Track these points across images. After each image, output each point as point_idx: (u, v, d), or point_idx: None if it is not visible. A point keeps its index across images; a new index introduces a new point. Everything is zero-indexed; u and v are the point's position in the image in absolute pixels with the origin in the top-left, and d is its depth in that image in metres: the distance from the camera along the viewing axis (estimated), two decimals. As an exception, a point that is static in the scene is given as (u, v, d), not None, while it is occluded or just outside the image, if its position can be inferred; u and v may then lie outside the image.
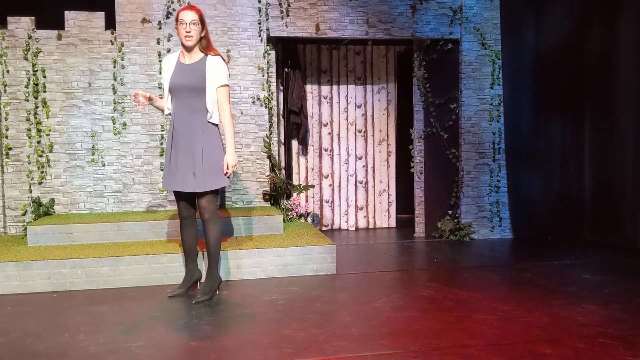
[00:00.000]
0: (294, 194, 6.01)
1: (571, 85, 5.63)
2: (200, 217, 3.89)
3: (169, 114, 3.88)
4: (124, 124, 5.57)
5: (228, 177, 3.84)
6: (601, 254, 5.20)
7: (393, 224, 7.20)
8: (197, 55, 3.81)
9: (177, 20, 3.77)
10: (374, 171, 7.13)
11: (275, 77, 6.02)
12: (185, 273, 4.15)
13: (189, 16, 3.71)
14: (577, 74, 5.57)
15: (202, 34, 3.78)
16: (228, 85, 3.83)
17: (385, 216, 7.19)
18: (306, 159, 7.01)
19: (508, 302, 3.78)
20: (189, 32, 3.71)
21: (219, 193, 5.63)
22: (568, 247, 5.53)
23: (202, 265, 4.38)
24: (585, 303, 3.74)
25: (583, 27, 5.51)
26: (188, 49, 3.79)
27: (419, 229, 6.70)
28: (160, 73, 4.03)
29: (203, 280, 4.16)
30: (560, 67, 5.70)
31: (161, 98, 3.94)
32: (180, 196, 3.90)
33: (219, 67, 3.77)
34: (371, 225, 7.16)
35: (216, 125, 3.83)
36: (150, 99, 3.81)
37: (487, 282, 4.39)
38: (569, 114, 5.70)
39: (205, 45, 3.80)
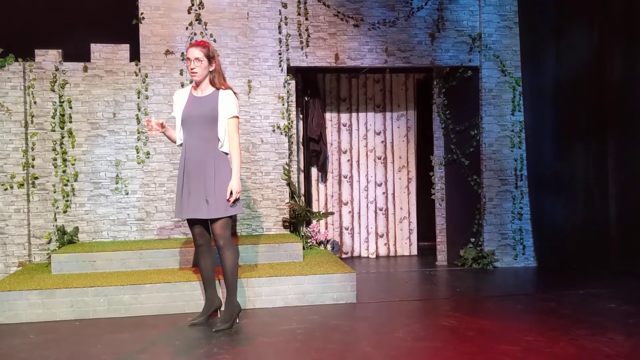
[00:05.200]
0: (314, 221, 6.02)
1: (593, 111, 5.58)
2: (215, 245, 3.93)
3: (181, 144, 3.97)
4: (148, 153, 5.66)
5: (236, 204, 3.86)
6: (627, 283, 5.08)
7: (414, 251, 7.13)
8: (208, 89, 3.94)
9: (185, 55, 3.94)
10: (394, 198, 7.11)
11: (295, 105, 6.08)
12: (205, 301, 4.17)
13: (193, 53, 3.83)
14: (599, 100, 5.52)
15: (211, 69, 3.89)
16: (238, 117, 3.94)
17: (406, 244, 7.13)
18: (325, 186, 7.02)
19: (532, 333, 3.71)
20: (193, 68, 3.84)
21: (235, 220, 5.69)
22: (593, 276, 5.42)
23: (222, 292, 4.39)
24: (612, 333, 3.65)
25: (604, 53, 5.48)
26: (197, 83, 3.92)
27: (441, 257, 6.63)
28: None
29: (223, 308, 4.18)
30: (582, 94, 5.66)
31: (173, 128, 4.06)
32: (193, 224, 3.95)
33: (230, 99, 3.90)
34: (392, 253, 7.11)
35: (227, 154, 3.92)
36: (162, 126, 3.91)
37: (510, 312, 4.32)
38: (592, 141, 5.63)
39: (216, 79, 3.90)
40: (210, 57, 3.87)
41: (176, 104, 3.99)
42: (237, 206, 3.89)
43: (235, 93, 3.96)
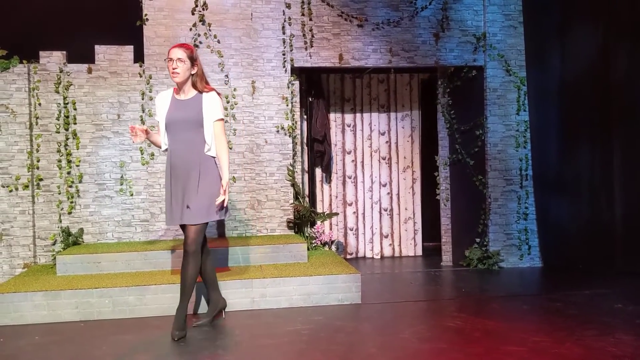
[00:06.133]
0: (318, 222, 6.01)
1: (598, 110, 5.55)
2: (185, 249, 3.81)
3: (166, 149, 3.87)
4: (152, 154, 5.66)
5: (220, 209, 3.79)
6: (634, 283, 5.04)
7: (419, 252, 7.11)
8: (191, 92, 3.84)
9: (167, 56, 3.82)
10: (398, 198, 7.09)
11: (299, 106, 6.07)
12: (210, 303, 4.16)
13: (175, 54, 3.75)
14: (604, 99, 5.49)
15: (193, 72, 3.80)
16: (223, 119, 3.87)
17: (411, 244, 7.11)
18: (330, 186, 7.01)
19: (538, 333, 3.69)
20: (175, 68, 3.74)
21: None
22: (599, 275, 5.39)
23: (226, 293, 4.39)
24: (618, 334, 3.63)
25: (609, 52, 5.45)
26: (179, 86, 3.83)
27: (446, 258, 6.61)
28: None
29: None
30: (587, 93, 5.63)
31: (157, 133, 3.96)
32: (184, 230, 3.87)
33: (215, 101, 3.82)
34: (397, 254, 7.09)
35: (213, 157, 3.85)
36: (147, 133, 3.78)
37: (516, 312, 4.30)
38: (597, 140, 5.60)
39: (198, 83, 3.82)
40: (193, 59, 3.79)
41: (159, 108, 3.88)
42: (221, 211, 3.82)
43: (218, 94, 3.88)
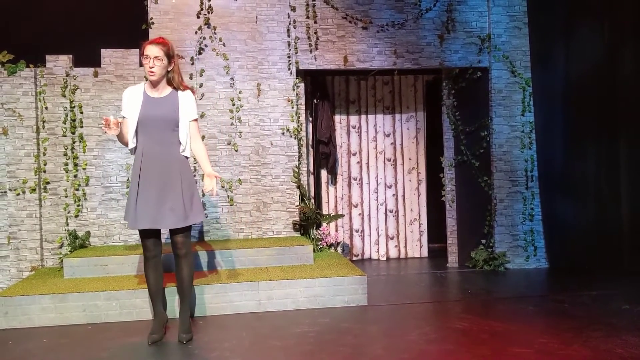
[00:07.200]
0: (324, 224, 6.02)
1: (604, 111, 5.54)
2: (176, 253, 3.76)
3: (134, 148, 3.69)
4: (157, 157, 5.68)
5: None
6: (641, 284, 5.04)
7: (425, 253, 7.11)
8: (165, 89, 3.71)
9: (142, 53, 3.64)
10: (404, 200, 7.09)
11: (304, 108, 6.09)
12: (155, 316, 3.92)
13: (152, 51, 3.58)
14: (610, 100, 5.48)
15: (170, 68, 3.67)
16: (197, 119, 3.79)
17: (416, 246, 7.11)
18: (335, 188, 7.02)
19: (545, 335, 3.69)
20: (152, 67, 3.59)
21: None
22: (606, 276, 5.37)
23: (232, 295, 4.39)
24: (626, 335, 3.62)
25: (615, 52, 5.44)
26: (153, 83, 3.67)
27: (452, 259, 6.60)
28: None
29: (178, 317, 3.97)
30: (593, 94, 5.62)
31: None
32: (150, 234, 3.71)
33: (191, 101, 3.71)
34: (402, 255, 7.09)
35: (187, 158, 3.76)
36: (120, 126, 3.57)
37: (523, 314, 4.29)
38: (603, 140, 5.59)
39: (175, 79, 3.69)
40: (170, 56, 3.64)
41: (128, 104, 3.68)
42: (202, 214, 3.81)
43: (193, 92, 3.78)
